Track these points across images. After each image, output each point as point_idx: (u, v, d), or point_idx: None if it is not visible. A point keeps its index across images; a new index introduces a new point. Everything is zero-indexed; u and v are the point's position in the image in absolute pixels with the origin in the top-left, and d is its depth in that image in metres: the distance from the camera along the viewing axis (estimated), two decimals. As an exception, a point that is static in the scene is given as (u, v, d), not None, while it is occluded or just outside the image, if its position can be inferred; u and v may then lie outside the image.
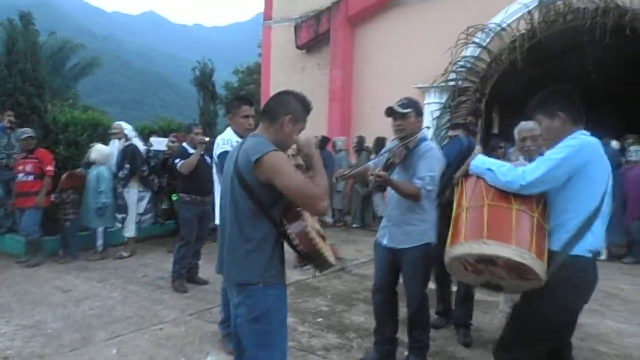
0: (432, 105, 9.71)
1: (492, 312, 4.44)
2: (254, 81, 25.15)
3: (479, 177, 2.35)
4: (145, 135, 7.97)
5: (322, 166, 2.18)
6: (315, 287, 5.15)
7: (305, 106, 2.22)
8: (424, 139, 3.22)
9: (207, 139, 5.21)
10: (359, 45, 11.03)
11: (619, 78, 9.81)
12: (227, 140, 3.52)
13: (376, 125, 9.14)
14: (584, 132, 2.26)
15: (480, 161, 2.37)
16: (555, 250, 2.14)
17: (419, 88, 9.80)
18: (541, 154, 3.58)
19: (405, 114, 3.09)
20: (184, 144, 5.32)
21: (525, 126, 3.51)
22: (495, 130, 12.69)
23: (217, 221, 3.56)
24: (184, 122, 9.08)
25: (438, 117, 9.61)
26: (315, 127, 11.06)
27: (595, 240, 2.16)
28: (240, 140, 3.45)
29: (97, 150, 6.50)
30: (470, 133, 4.26)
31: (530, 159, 3.54)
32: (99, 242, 6.41)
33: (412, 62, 9.89)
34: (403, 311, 3.31)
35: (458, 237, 2.24)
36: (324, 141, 9.28)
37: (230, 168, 2.14)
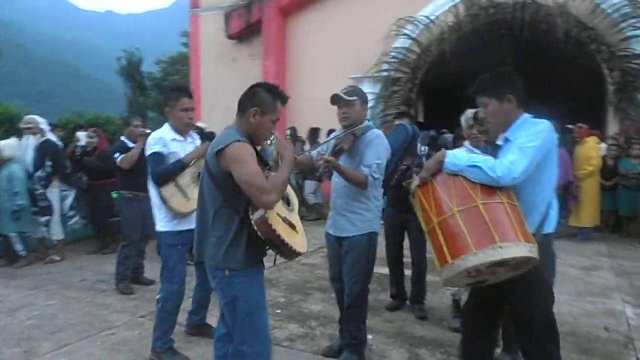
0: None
1: (440, 291, 4.67)
2: (178, 72, 24.24)
3: (451, 175, 2.16)
4: (69, 130, 7.40)
5: (289, 163, 2.27)
6: (268, 279, 5.10)
7: (276, 97, 2.27)
8: (370, 127, 3.21)
9: (147, 131, 4.94)
10: (291, 36, 10.98)
11: (532, 70, 10.58)
12: (159, 139, 3.20)
13: (310, 116, 9.21)
14: (528, 115, 2.28)
15: (456, 158, 2.17)
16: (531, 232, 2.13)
17: (353, 78, 9.96)
18: (485, 141, 3.80)
19: (350, 101, 3.05)
20: (123, 138, 5.01)
21: (472, 114, 3.60)
22: (421, 119, 13.22)
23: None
24: (111, 115, 8.55)
25: (372, 107, 9.84)
26: (249, 118, 10.90)
27: (555, 215, 2.28)
28: (178, 136, 3.26)
29: (10, 146, 5.88)
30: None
31: (477, 145, 3.75)
32: (19, 247, 5.85)
33: (346, 53, 10.02)
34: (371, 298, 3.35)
35: (462, 246, 2.01)
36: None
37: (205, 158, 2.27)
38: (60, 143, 6.53)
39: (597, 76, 8.47)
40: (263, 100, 2.23)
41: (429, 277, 4.38)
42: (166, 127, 3.30)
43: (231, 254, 2.16)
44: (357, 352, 3.21)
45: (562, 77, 9.99)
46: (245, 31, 11.34)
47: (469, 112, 3.76)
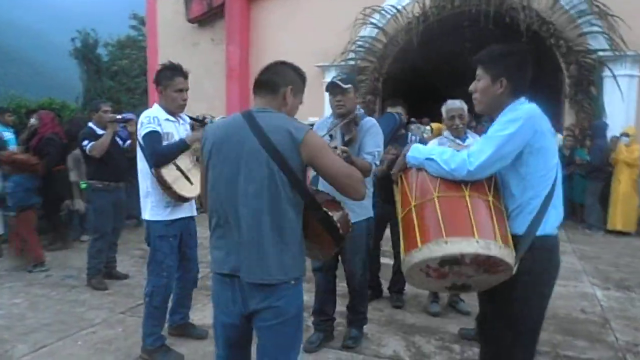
0: (333, 84, 9.85)
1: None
2: (127, 56, 23.16)
3: (418, 169, 2.05)
4: (22, 115, 6.87)
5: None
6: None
7: (302, 77, 2.03)
8: (364, 115, 3.29)
9: (118, 116, 4.64)
10: (256, 22, 10.71)
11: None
12: (153, 118, 2.99)
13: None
14: (522, 100, 2.02)
15: (417, 151, 2.06)
16: (520, 234, 1.93)
17: (319, 67, 9.87)
18: (465, 133, 3.83)
19: (346, 89, 3.08)
20: (91, 124, 4.68)
21: (453, 105, 3.72)
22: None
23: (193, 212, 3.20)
24: (67, 101, 8.00)
25: (339, 96, 9.81)
26: (212, 105, 10.55)
27: (558, 214, 1.99)
28: (170, 117, 3.05)
29: None
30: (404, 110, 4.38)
31: (458, 136, 3.77)
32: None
33: (312, 41, 9.86)
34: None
35: (413, 241, 1.89)
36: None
37: (257, 150, 1.76)
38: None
39: (555, 69, 8.82)
40: (295, 80, 1.95)
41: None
42: (156, 107, 3.10)
43: (298, 260, 1.85)
44: (362, 327, 3.39)
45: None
46: (206, 15, 10.93)
47: (450, 102, 3.80)
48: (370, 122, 3.21)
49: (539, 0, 8.46)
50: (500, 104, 2.02)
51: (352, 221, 3.09)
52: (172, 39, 11.43)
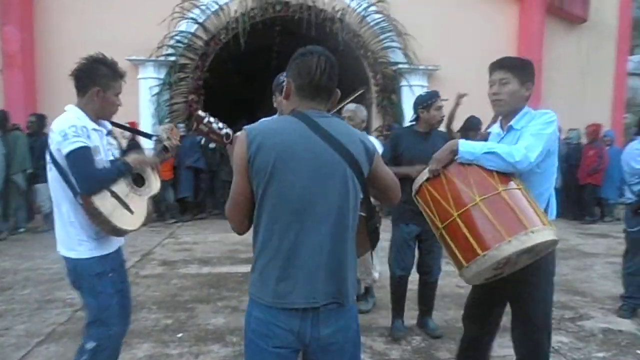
0: (149, 81, 8.89)
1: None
2: None
3: (465, 164, 2.07)
4: None
5: None
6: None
7: None
8: None
9: None
10: (42, 1, 8.80)
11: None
12: (81, 128, 2.21)
13: (70, 98, 7.56)
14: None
15: (470, 146, 2.08)
16: None
17: (131, 61, 8.76)
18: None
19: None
20: None
21: (349, 107, 4.09)
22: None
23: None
24: None
25: (158, 94, 8.92)
26: (-19, 98, 8.25)
27: (554, 202, 2.28)
28: (97, 126, 2.30)
29: None
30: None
31: None
32: None
33: (123, 30, 8.63)
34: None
35: (494, 235, 1.90)
36: (4, 120, 7.12)
37: (335, 160, 1.53)
38: None
39: (364, 78, 9.87)
40: None
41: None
42: (78, 112, 2.26)
43: None
44: None
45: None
46: (-37, -16, 8.46)
47: (348, 105, 4.14)
48: None
49: (350, 14, 9.37)
50: (519, 106, 2.25)
51: None
52: None
